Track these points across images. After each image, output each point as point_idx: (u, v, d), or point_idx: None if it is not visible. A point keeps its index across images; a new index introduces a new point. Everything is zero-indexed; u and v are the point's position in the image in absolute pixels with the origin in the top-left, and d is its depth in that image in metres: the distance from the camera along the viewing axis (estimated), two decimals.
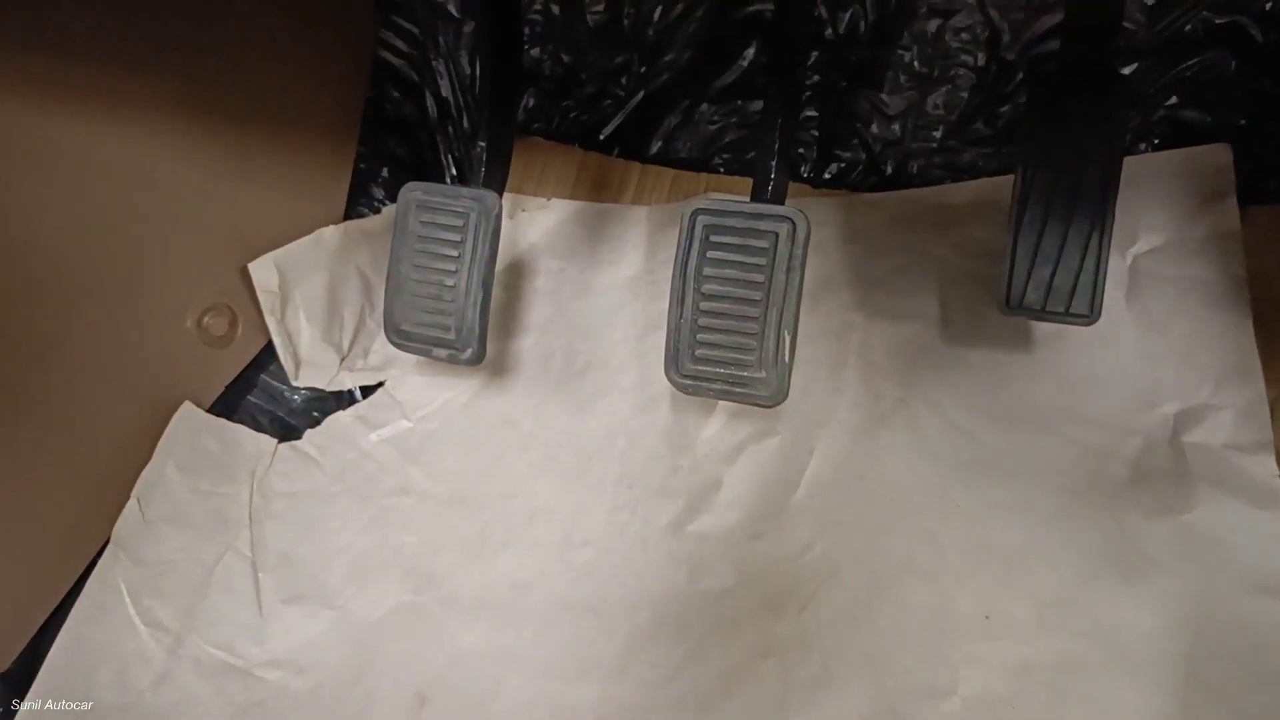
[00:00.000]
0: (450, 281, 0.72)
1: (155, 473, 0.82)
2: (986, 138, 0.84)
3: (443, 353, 0.73)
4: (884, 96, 0.86)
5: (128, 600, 0.78)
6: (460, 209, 0.72)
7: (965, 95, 0.84)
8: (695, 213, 0.64)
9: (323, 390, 0.90)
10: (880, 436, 0.78)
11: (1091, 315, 0.65)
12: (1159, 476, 0.71)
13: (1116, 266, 0.76)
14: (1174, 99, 0.79)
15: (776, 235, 0.62)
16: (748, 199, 0.66)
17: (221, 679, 0.76)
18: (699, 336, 0.64)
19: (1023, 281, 0.67)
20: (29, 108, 0.69)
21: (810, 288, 0.83)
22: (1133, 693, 0.66)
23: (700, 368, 0.64)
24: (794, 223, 0.62)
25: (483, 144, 0.76)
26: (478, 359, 0.73)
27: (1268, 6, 0.76)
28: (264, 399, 0.90)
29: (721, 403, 0.82)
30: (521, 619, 0.78)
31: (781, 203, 0.64)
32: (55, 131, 0.71)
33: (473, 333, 0.72)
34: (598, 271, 0.89)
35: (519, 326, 0.89)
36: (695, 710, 0.71)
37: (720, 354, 0.64)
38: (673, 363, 0.65)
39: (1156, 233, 0.77)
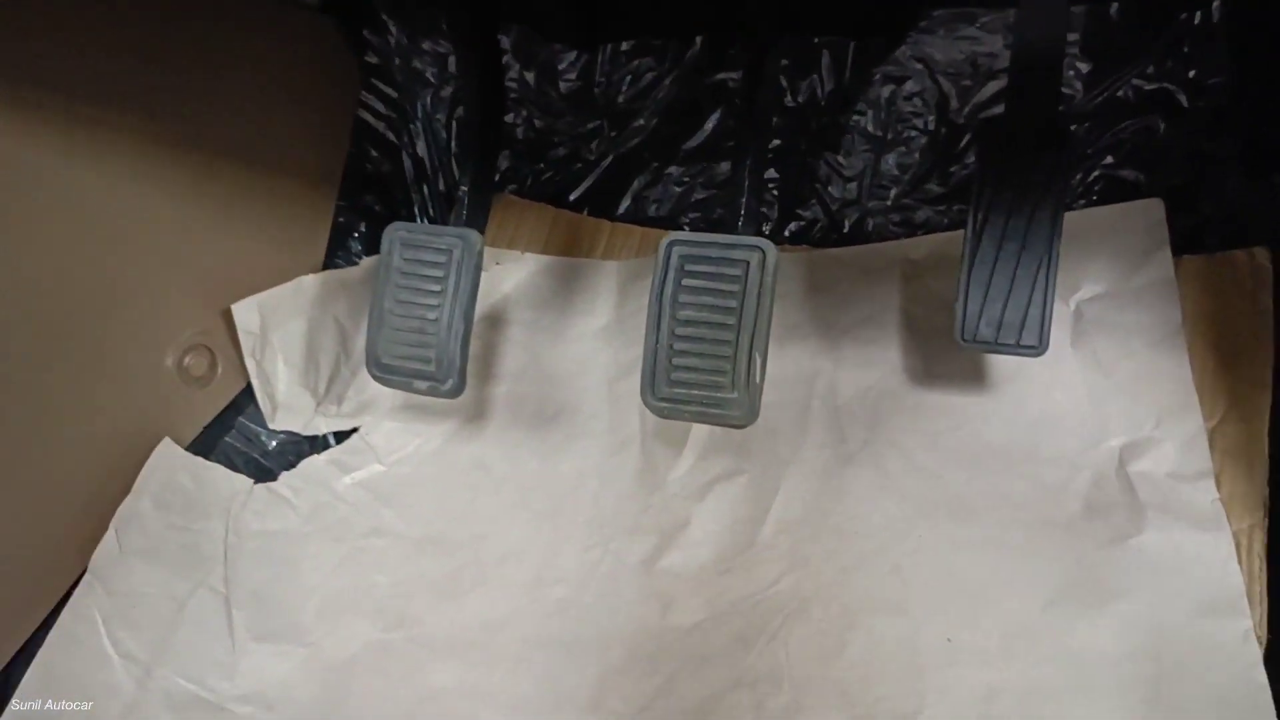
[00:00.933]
0: (432, 315, 0.75)
1: (132, 507, 0.83)
2: (939, 196, 0.89)
3: (424, 385, 0.75)
4: (841, 158, 0.92)
5: (102, 630, 0.78)
6: (443, 245, 0.75)
7: (918, 156, 0.90)
8: (671, 243, 0.68)
9: (298, 434, 0.91)
10: (846, 475, 0.81)
11: (1040, 347, 0.70)
12: (1110, 507, 0.74)
13: (1062, 313, 0.81)
14: (1111, 159, 0.85)
15: (748, 263, 0.66)
16: None
17: (191, 712, 0.76)
18: (674, 361, 0.67)
19: (975, 317, 0.71)
20: (19, 144, 0.71)
21: (778, 335, 0.86)
22: (1097, 715, 0.68)
23: (676, 390, 0.67)
24: (764, 252, 0.66)
25: (464, 188, 0.79)
26: (457, 391, 0.75)
27: (1192, 75, 0.82)
28: (241, 441, 0.91)
29: (690, 443, 0.84)
30: (494, 657, 0.78)
31: (752, 235, 0.68)
32: (45, 169, 0.73)
33: (454, 365, 0.74)
34: (570, 321, 0.92)
35: (492, 374, 0.91)
36: None
37: (695, 377, 0.67)
38: (649, 387, 0.68)
39: (1098, 281, 0.81)
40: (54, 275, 0.75)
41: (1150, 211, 0.82)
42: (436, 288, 0.75)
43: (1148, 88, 0.84)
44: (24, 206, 0.72)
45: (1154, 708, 0.67)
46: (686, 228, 0.96)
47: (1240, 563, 0.70)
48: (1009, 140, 0.74)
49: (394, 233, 0.77)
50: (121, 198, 0.79)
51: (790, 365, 0.86)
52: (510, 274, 0.95)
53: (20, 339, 0.74)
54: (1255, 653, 0.67)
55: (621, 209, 0.98)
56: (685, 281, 0.67)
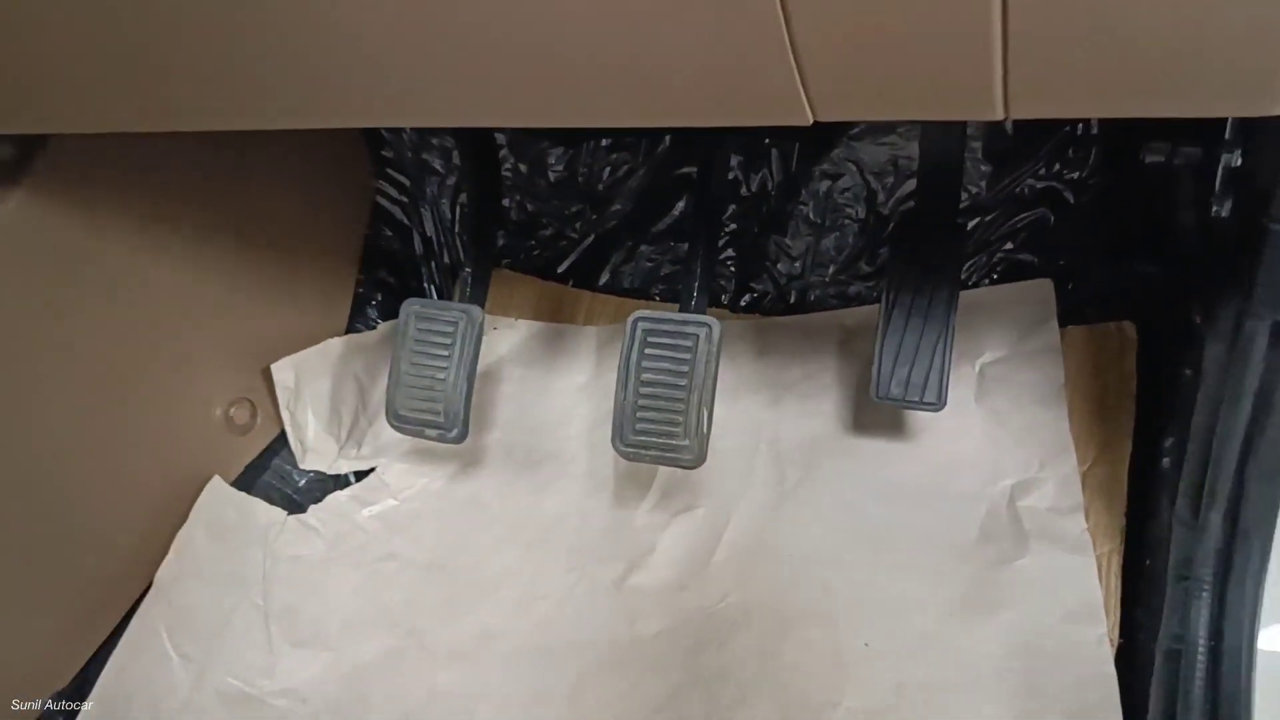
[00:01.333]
0: (441, 376, 0.90)
1: (188, 534, 0.98)
2: (868, 273, 1.05)
3: (434, 433, 0.91)
4: (788, 240, 1.08)
5: (164, 636, 0.93)
6: (451, 319, 0.91)
7: (850, 240, 1.06)
8: (637, 320, 0.84)
9: (324, 473, 1.06)
10: (785, 509, 0.96)
11: (939, 403, 0.85)
12: (1000, 535, 0.89)
13: (968, 374, 0.97)
14: (1010, 244, 1.01)
15: (698, 336, 0.82)
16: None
17: (237, 705, 0.90)
18: (638, 414, 0.83)
19: (888, 378, 0.87)
20: (99, 237, 0.87)
21: (732, 390, 1.02)
22: (983, 703, 0.83)
23: (639, 438, 0.83)
24: (711, 327, 0.82)
25: (468, 269, 0.95)
26: (461, 438, 0.91)
27: (1074, 176, 0.99)
28: (276, 479, 1.06)
29: (655, 483, 0.99)
30: (489, 662, 0.93)
31: (703, 313, 0.84)
32: (119, 259, 0.89)
33: (459, 417, 0.90)
34: (555, 378, 1.08)
35: (488, 423, 1.07)
36: None
37: (654, 427, 0.83)
38: (618, 435, 0.84)
39: (998, 347, 0.97)
40: (128, 342, 0.91)
41: (1041, 289, 0.98)
42: (445, 353, 0.91)
43: (1039, 186, 1.00)
44: (107, 285, 0.88)
45: (1027, 695, 0.82)
46: (657, 297, 1.11)
47: (1100, 580, 0.85)
48: (916, 231, 0.90)
49: (410, 307, 0.93)
50: (182, 278, 0.95)
51: (741, 416, 1.01)
52: (505, 338, 1.11)
53: (100, 393, 0.89)
54: (1108, 653, 0.82)
55: (601, 281, 1.14)
56: (647, 350, 0.83)
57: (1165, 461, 0.82)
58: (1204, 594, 0.73)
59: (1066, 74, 0.49)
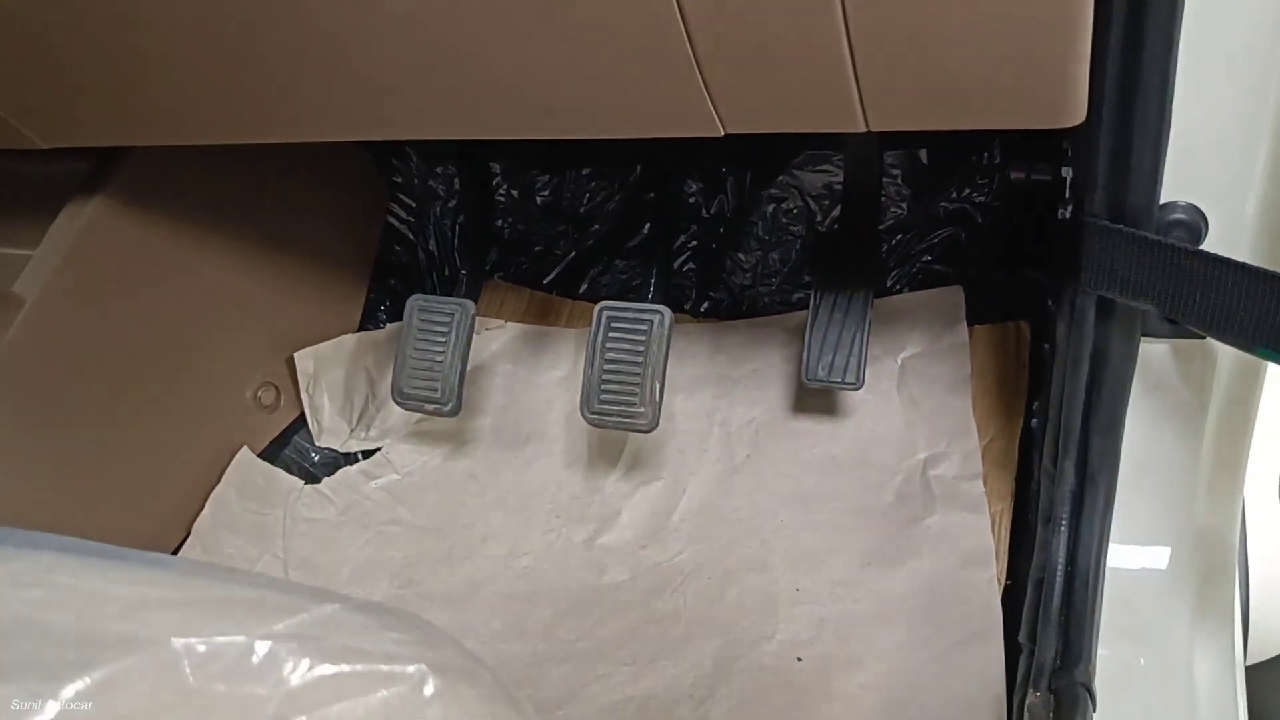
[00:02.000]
0: (439, 358, 1.07)
1: (222, 493, 1.14)
2: (808, 283, 1.22)
3: (431, 406, 1.07)
4: (741, 255, 1.25)
5: None
6: (448, 310, 1.08)
7: (793, 254, 1.23)
8: (603, 307, 1.01)
9: (337, 451, 1.22)
10: (733, 480, 1.12)
11: (858, 383, 1.01)
12: (913, 498, 1.05)
13: (890, 366, 1.13)
14: (929, 257, 1.18)
15: (652, 322, 0.99)
16: None
17: None
18: (602, 387, 0.99)
19: (815, 363, 1.03)
20: (161, 239, 1.05)
21: (689, 382, 1.19)
22: (890, 634, 0.98)
23: (603, 407, 0.99)
24: (663, 314, 0.99)
25: (464, 272, 1.13)
26: (456, 411, 1.07)
27: (980, 199, 1.16)
28: (296, 453, 1.22)
29: (622, 459, 1.15)
30: (477, 606, 1.08)
31: (659, 304, 1.01)
32: (169, 257, 1.06)
33: (453, 392, 1.06)
34: (539, 372, 1.24)
35: (481, 410, 1.23)
36: (597, 657, 1.02)
37: (616, 397, 0.99)
38: (585, 405, 1.00)
39: (916, 344, 1.14)
40: (178, 329, 1.08)
41: (953, 295, 1.15)
42: (442, 339, 1.07)
43: (952, 207, 1.17)
44: (158, 282, 1.05)
45: (927, 626, 0.97)
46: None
47: (994, 533, 1.01)
48: (841, 241, 1.08)
49: (414, 301, 1.09)
50: (224, 277, 1.12)
51: (698, 405, 1.17)
52: (497, 338, 1.28)
53: (156, 370, 1.06)
54: (995, 590, 0.97)
55: (581, 290, 1.30)
56: (610, 333, 1.00)
57: (1033, 423, 0.98)
58: (1061, 529, 0.88)
59: (906, 94, 0.67)
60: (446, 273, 1.33)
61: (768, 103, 0.70)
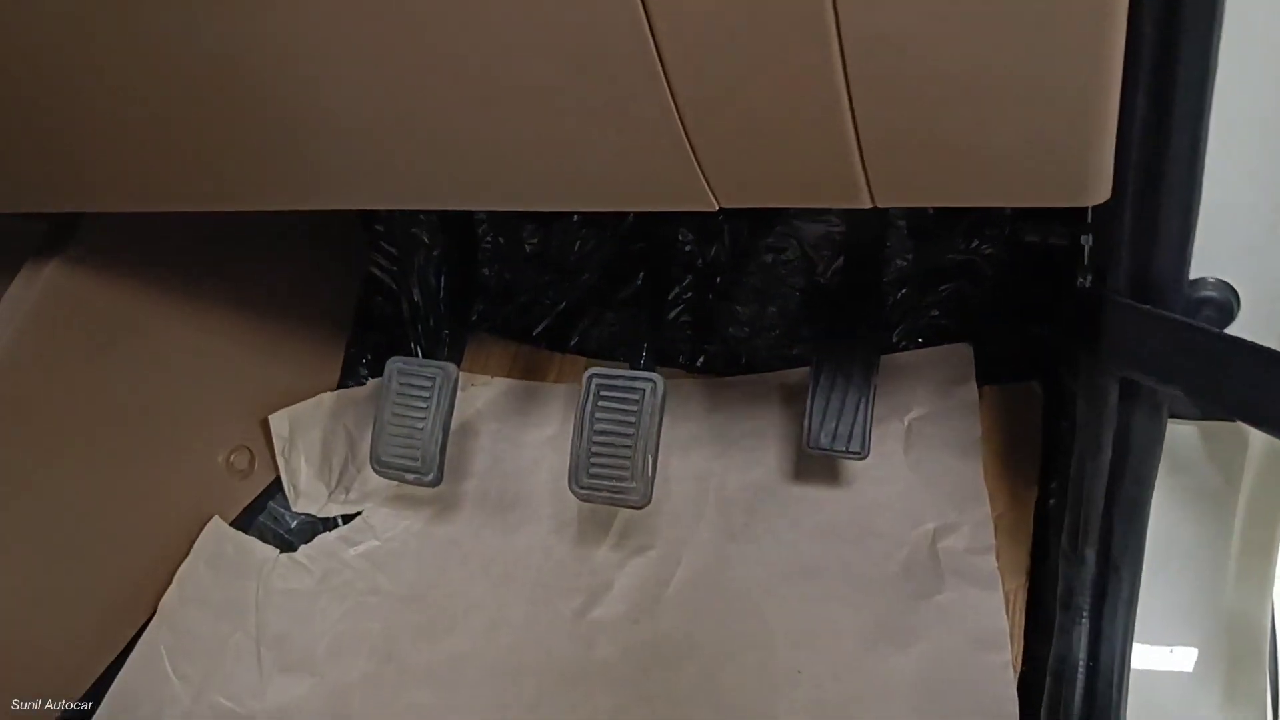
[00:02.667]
0: (420, 425, 1.01)
1: (190, 566, 1.08)
2: (807, 337, 1.17)
3: (411, 476, 1.01)
4: (737, 307, 1.19)
5: (165, 658, 1.03)
6: (429, 375, 1.02)
7: (793, 307, 1.17)
8: (592, 375, 0.95)
9: (314, 516, 1.16)
10: (729, 550, 1.06)
11: (863, 452, 0.96)
12: (921, 572, 1.00)
13: (896, 428, 1.07)
14: (935, 312, 1.12)
15: (644, 391, 0.93)
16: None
17: None
18: (592, 459, 0.94)
19: (818, 429, 0.97)
20: (125, 299, 0.99)
21: (684, 442, 1.13)
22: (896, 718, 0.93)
23: (592, 481, 0.94)
24: (655, 383, 0.93)
25: (447, 332, 1.07)
26: (437, 482, 1.01)
27: (988, 252, 1.10)
28: (270, 520, 1.16)
29: (614, 526, 1.09)
30: (459, 681, 1.02)
31: (651, 370, 0.96)
32: (134, 316, 1.00)
33: (434, 462, 1.00)
34: (526, 431, 1.19)
35: (465, 472, 1.17)
36: None
37: (606, 471, 0.93)
38: (574, 479, 0.94)
39: (923, 404, 1.08)
40: (143, 394, 1.02)
41: (961, 352, 1.09)
42: (423, 405, 1.02)
43: (958, 259, 1.12)
44: (121, 344, 0.99)
45: (936, 713, 0.92)
46: (620, 357, 1.23)
47: (1007, 613, 0.95)
48: (841, 299, 1.02)
49: (393, 364, 1.04)
50: (192, 338, 1.06)
51: (692, 467, 1.12)
52: (482, 394, 1.22)
53: (119, 439, 1.00)
54: (1010, 677, 0.91)
55: (570, 344, 1.25)
56: (600, 403, 0.94)
57: (1052, 503, 0.92)
58: (1083, 620, 0.83)
59: (916, 172, 0.61)
60: (431, 323, 1.27)
61: (764, 179, 0.65)
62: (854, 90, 0.55)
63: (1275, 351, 0.62)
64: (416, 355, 1.24)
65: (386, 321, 1.29)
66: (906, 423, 1.08)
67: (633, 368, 0.98)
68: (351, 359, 1.27)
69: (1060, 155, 0.58)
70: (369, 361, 1.27)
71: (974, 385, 1.07)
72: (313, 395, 1.20)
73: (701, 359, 1.20)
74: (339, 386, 1.25)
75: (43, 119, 0.72)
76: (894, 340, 1.13)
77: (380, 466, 1.03)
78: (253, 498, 1.16)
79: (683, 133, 0.60)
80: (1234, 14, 0.56)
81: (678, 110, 0.58)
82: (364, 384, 1.25)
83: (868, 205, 0.64)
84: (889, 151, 0.60)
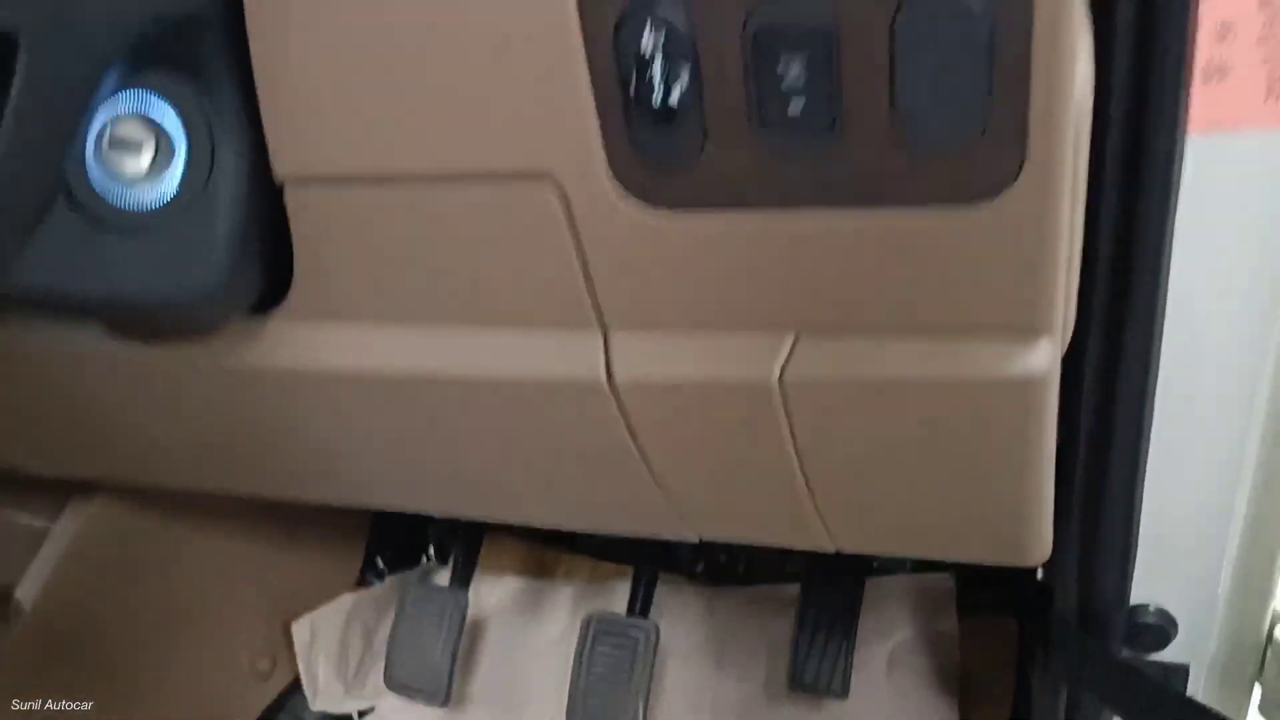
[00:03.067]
0: (430, 648, 1.09)
1: None
2: (799, 556, 1.23)
3: (422, 697, 1.09)
4: None
5: None
6: (440, 601, 1.10)
7: None
8: (590, 620, 1.03)
9: (332, 713, 1.24)
10: None
11: (844, 693, 1.03)
12: None
13: (879, 652, 1.14)
14: None
15: (638, 640, 1.01)
16: None
17: None
18: (587, 700, 1.01)
19: (802, 670, 1.04)
20: (160, 521, 1.08)
21: (684, 651, 1.19)
22: None
23: (590, 716, 1.01)
24: (648, 632, 1.00)
25: (458, 555, 1.15)
26: (444, 704, 1.09)
27: None
28: (289, 718, 1.24)
29: None
30: None
31: (645, 616, 1.03)
32: (166, 537, 1.09)
33: (443, 688, 1.08)
34: (533, 630, 1.26)
35: (475, 669, 1.24)
36: None
37: (602, 712, 1.00)
38: (571, 715, 1.02)
39: (907, 630, 1.14)
40: (167, 604, 1.10)
41: (944, 582, 1.15)
42: (434, 628, 1.10)
43: None
44: (154, 564, 1.08)
45: None
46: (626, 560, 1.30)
47: None
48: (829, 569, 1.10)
49: (406, 585, 1.12)
50: (216, 556, 1.15)
51: (690, 676, 1.18)
52: (494, 592, 1.29)
53: (145, 657, 1.08)
54: None
55: (577, 543, 1.32)
56: (598, 646, 1.02)
57: None
58: None
59: (870, 532, 0.69)
60: (447, 521, 1.35)
61: (734, 522, 0.72)
62: (809, 473, 0.63)
63: (1204, 707, 0.68)
64: (431, 553, 1.32)
65: (403, 517, 1.36)
66: (889, 649, 1.14)
67: (629, 611, 1.05)
68: (370, 553, 1.34)
69: (998, 530, 0.66)
70: (388, 556, 1.35)
71: (954, 614, 1.13)
72: (334, 592, 1.27)
73: (702, 565, 1.27)
74: (359, 577, 1.33)
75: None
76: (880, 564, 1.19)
77: (394, 686, 1.10)
78: (274, 697, 1.23)
79: (653, 481, 0.68)
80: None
81: (647, 463, 0.66)
82: (382, 577, 1.33)
83: (832, 550, 0.72)
84: (843, 516, 0.67)
